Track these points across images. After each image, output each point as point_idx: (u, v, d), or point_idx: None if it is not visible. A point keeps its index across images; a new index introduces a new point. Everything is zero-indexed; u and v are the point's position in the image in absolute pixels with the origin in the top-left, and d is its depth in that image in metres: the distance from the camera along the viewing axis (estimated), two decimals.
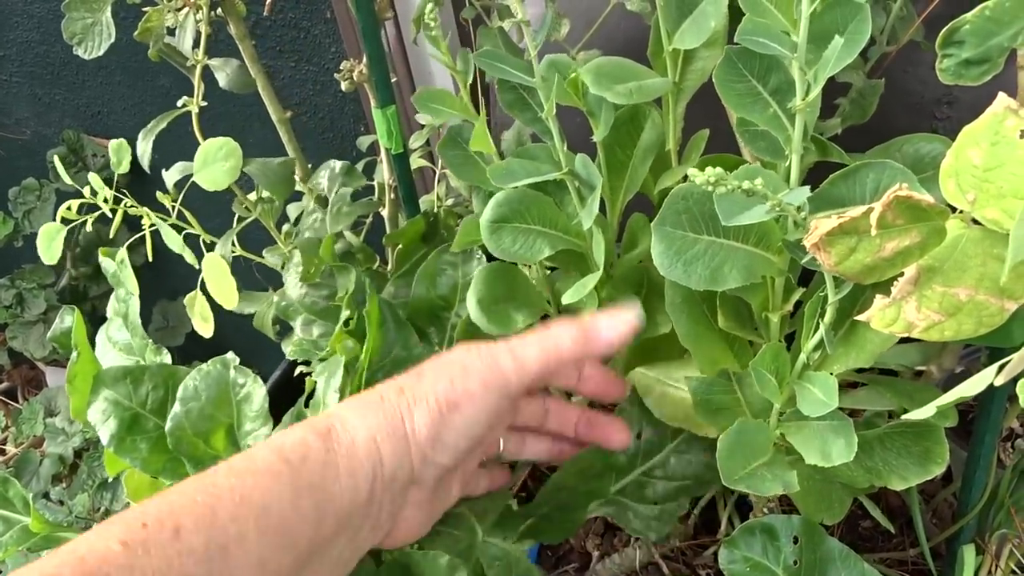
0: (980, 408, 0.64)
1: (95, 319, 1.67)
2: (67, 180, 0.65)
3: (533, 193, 0.54)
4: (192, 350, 1.67)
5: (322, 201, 0.72)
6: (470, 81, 0.61)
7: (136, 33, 0.59)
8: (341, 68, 0.72)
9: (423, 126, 0.98)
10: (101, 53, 0.58)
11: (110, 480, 1.46)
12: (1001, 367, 0.35)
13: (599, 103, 0.53)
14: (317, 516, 0.42)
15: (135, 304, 0.77)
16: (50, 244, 0.63)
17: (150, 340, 0.77)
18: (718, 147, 0.63)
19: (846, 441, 0.53)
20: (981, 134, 0.38)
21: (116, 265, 0.77)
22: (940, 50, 0.37)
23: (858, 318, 0.43)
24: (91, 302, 1.69)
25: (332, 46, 1.29)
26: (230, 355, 0.61)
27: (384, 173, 0.75)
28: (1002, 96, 0.38)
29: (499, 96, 0.53)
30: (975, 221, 0.40)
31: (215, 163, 0.64)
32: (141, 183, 1.55)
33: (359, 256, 0.77)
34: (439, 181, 1.01)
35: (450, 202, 1.01)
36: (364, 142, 1.07)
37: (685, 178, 0.56)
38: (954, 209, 0.41)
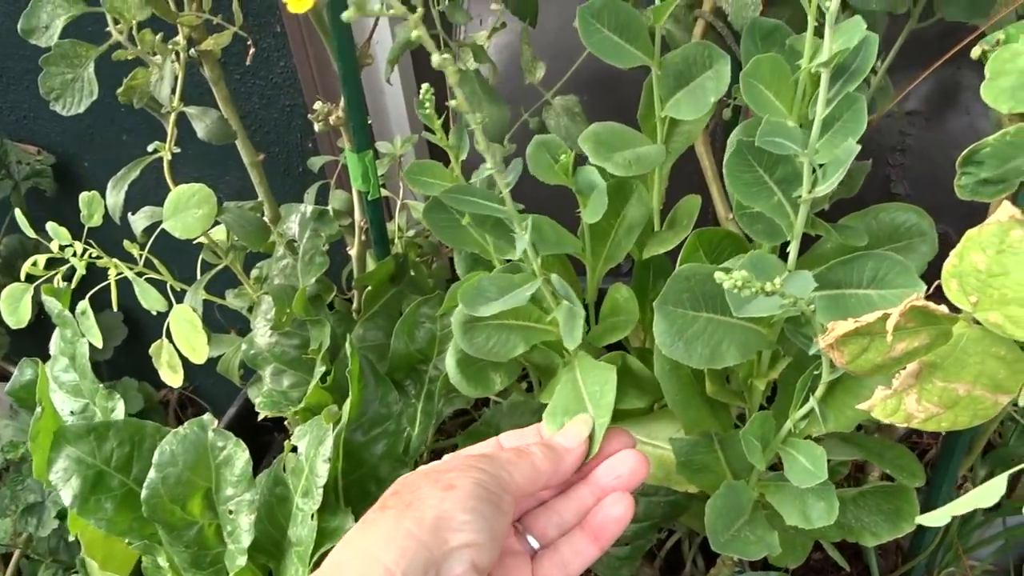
0: (939, 461, 0.68)
1: (13, 330, 1.59)
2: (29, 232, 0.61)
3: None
4: (119, 364, 1.61)
5: (291, 246, 0.70)
6: (440, 122, 0.59)
7: (120, 91, 0.56)
8: (315, 109, 0.70)
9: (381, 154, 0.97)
10: (81, 111, 0.55)
11: (36, 505, 1.39)
12: (1013, 478, 0.37)
13: (590, 185, 0.53)
14: None
15: (84, 346, 0.74)
16: (16, 307, 0.59)
17: (100, 384, 0.73)
18: (698, 207, 0.64)
19: (827, 504, 0.54)
20: (987, 241, 0.40)
21: (61, 306, 0.73)
22: (960, 168, 0.39)
23: (860, 407, 0.44)
24: None
25: (281, 60, 1.26)
26: (207, 417, 0.59)
27: (356, 215, 0.73)
28: (1007, 205, 0.40)
29: (471, 219, 0.52)
30: (975, 321, 0.42)
31: (187, 210, 0.61)
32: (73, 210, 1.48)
33: (324, 295, 0.75)
34: (400, 210, 1.00)
35: (411, 233, 1.00)
36: (316, 163, 1.05)
37: (678, 247, 0.57)
38: (954, 308, 0.42)
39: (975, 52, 0.46)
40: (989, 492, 0.37)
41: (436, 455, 0.93)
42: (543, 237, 0.52)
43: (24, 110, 1.42)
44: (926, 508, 0.70)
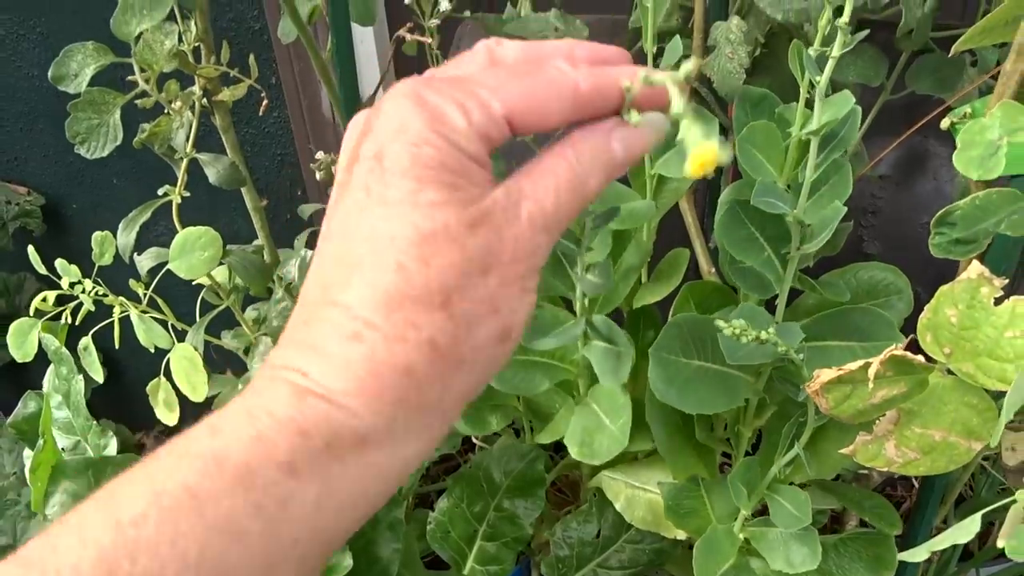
0: (915, 510, 0.70)
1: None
2: (41, 268, 0.62)
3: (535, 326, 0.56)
4: (96, 405, 1.60)
5: (290, 290, 0.72)
6: None
7: (142, 137, 0.58)
8: (317, 159, 0.73)
9: None
10: (105, 154, 0.58)
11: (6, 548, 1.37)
12: (989, 523, 0.39)
13: (594, 235, 0.56)
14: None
15: (79, 384, 0.75)
16: (23, 341, 0.61)
17: (94, 422, 0.74)
18: (687, 260, 0.67)
19: (810, 550, 0.57)
20: (958, 296, 0.43)
21: (58, 343, 0.74)
22: (934, 229, 0.42)
23: (842, 451, 0.47)
24: None
25: (274, 110, 1.29)
26: None
27: None
28: (976, 264, 0.43)
29: None
30: (949, 371, 0.45)
31: (194, 252, 0.63)
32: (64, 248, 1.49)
33: None
34: None
35: None
36: (307, 210, 1.08)
37: (663, 301, 0.60)
38: (929, 359, 0.45)
39: (944, 123, 0.50)
40: (965, 530, 0.39)
41: (422, 499, 0.94)
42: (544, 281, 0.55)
43: (16, 151, 1.44)
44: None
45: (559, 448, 0.86)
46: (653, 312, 0.66)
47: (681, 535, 0.64)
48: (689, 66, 0.31)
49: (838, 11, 0.40)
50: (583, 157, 0.32)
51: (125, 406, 1.56)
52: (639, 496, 0.65)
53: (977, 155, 0.37)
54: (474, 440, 0.90)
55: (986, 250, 0.49)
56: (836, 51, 0.40)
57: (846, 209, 0.44)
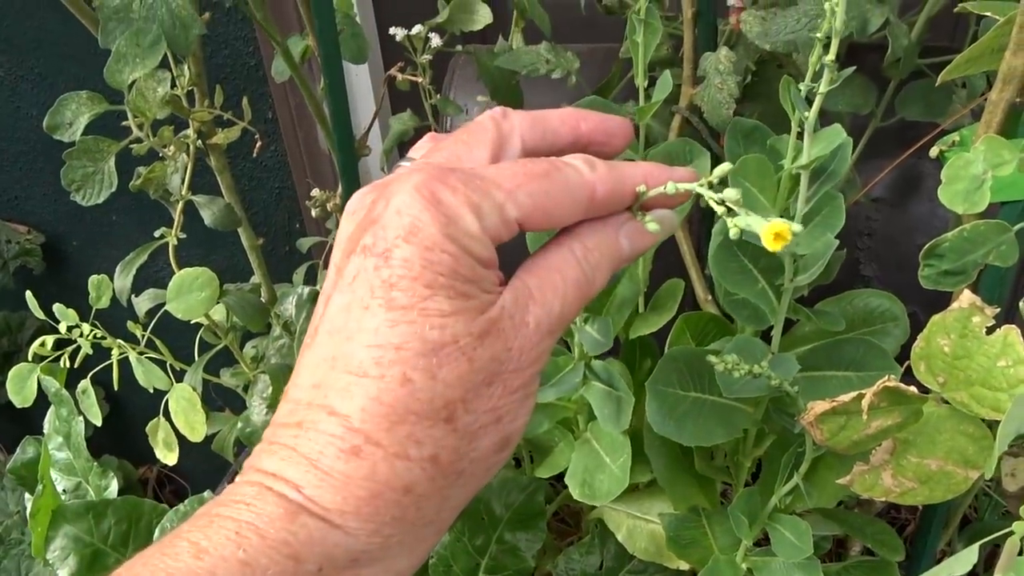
0: (917, 535, 0.70)
1: None
2: (39, 314, 0.63)
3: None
4: (99, 441, 1.60)
5: (287, 327, 0.72)
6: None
7: (137, 182, 0.59)
8: (313, 196, 0.74)
9: None
10: (100, 200, 0.58)
11: None
12: (995, 546, 0.39)
13: None
14: None
15: (79, 425, 0.75)
16: (23, 386, 0.61)
17: (95, 463, 0.74)
18: (682, 289, 0.67)
19: None
20: (951, 326, 0.44)
21: (58, 385, 0.74)
22: (923, 260, 0.42)
23: (840, 482, 0.47)
24: None
25: (272, 145, 1.30)
26: (207, 493, 0.60)
27: None
28: (967, 293, 0.43)
29: None
30: (944, 400, 0.45)
31: (191, 292, 0.64)
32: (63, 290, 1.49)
33: None
34: None
35: None
36: (305, 243, 1.08)
37: (660, 332, 0.60)
38: (923, 388, 0.45)
39: (933, 152, 0.51)
40: (962, 560, 0.39)
41: None
42: None
43: (16, 190, 1.45)
44: None
45: (560, 477, 0.86)
46: (650, 342, 0.66)
47: (684, 566, 0.64)
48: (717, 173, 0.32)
49: (826, 47, 0.40)
50: (591, 255, 0.32)
51: (127, 441, 1.55)
52: (641, 527, 0.65)
53: (962, 189, 0.37)
54: None
55: (978, 279, 0.49)
56: (823, 87, 0.40)
57: (838, 242, 0.44)
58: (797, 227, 0.28)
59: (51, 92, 1.32)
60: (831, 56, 0.38)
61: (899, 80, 0.62)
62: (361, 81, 1.17)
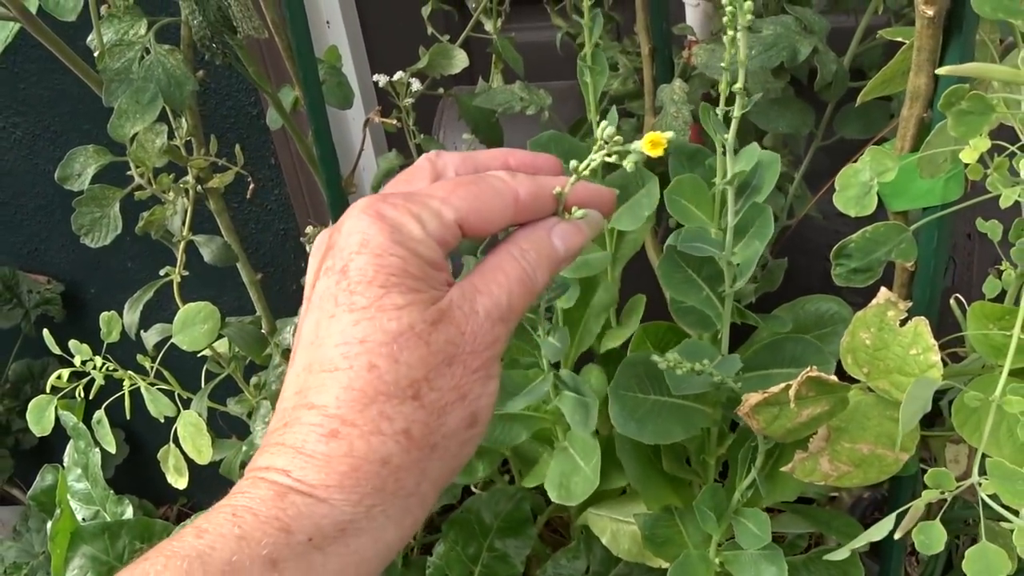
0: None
1: (17, 453, 1.63)
2: (56, 351, 0.68)
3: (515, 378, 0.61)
4: (121, 481, 1.65)
5: (287, 356, 0.77)
6: None
7: (139, 226, 0.64)
8: (307, 232, 0.79)
9: None
10: (108, 242, 0.64)
11: None
12: (898, 515, 0.43)
13: (562, 279, 0.61)
14: None
15: (96, 456, 0.80)
16: (41, 417, 0.66)
17: (111, 491, 0.80)
18: (651, 304, 0.72)
19: (778, 568, 0.60)
20: (870, 320, 0.48)
21: (76, 419, 0.80)
22: (834, 260, 0.47)
23: (783, 469, 0.51)
24: (15, 435, 1.66)
25: (275, 188, 1.36)
26: None
27: None
28: (884, 290, 0.48)
29: None
30: (870, 389, 0.49)
31: (194, 325, 0.69)
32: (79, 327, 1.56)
33: None
34: None
35: None
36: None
37: (628, 340, 0.64)
38: (852, 379, 0.50)
39: (863, 156, 0.55)
40: (880, 528, 0.44)
41: (425, 548, 0.98)
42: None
43: (36, 242, 1.52)
44: None
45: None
46: (622, 354, 0.71)
47: (665, 564, 0.68)
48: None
49: (735, 76, 0.45)
50: (528, 254, 0.37)
51: (147, 483, 1.61)
52: (623, 529, 0.69)
53: (853, 195, 0.42)
54: (473, 489, 0.94)
55: (911, 279, 0.54)
56: (737, 112, 0.45)
57: (763, 249, 0.49)
58: (669, 134, 0.35)
59: (66, 148, 1.38)
60: (739, 84, 0.43)
61: (837, 101, 0.67)
62: (355, 125, 1.23)
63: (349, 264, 0.34)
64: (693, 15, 0.86)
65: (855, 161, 0.49)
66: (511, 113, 0.86)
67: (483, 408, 0.35)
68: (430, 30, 0.90)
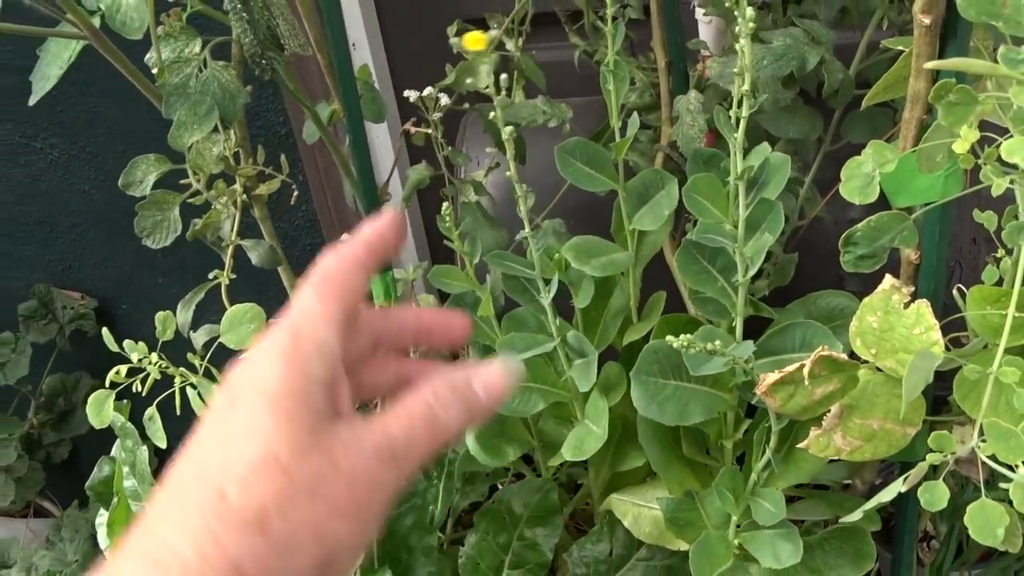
0: (898, 514, 0.77)
1: (48, 466, 1.68)
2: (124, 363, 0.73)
3: (531, 358, 0.66)
4: None
5: None
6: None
7: (195, 230, 0.69)
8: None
9: None
10: (168, 243, 0.69)
11: None
12: (905, 478, 0.47)
13: (580, 277, 0.66)
14: None
15: (143, 454, 0.85)
16: (100, 410, 0.71)
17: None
18: (669, 303, 0.76)
19: (794, 546, 0.64)
20: (876, 304, 0.52)
21: (123, 419, 0.84)
22: (843, 247, 0.51)
23: (799, 446, 0.55)
24: (46, 449, 1.71)
25: (303, 204, 1.41)
26: None
27: None
28: (888, 277, 0.52)
29: (503, 283, 0.65)
30: (878, 369, 0.53)
31: (241, 325, 0.73)
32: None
33: None
34: None
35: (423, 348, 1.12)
36: None
37: (649, 334, 0.69)
38: (862, 360, 0.54)
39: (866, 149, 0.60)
40: (890, 490, 0.47)
41: (455, 543, 1.02)
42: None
43: (70, 260, 1.57)
44: (896, 562, 0.79)
45: (576, 489, 0.94)
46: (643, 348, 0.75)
47: (684, 546, 0.71)
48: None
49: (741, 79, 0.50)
50: (442, 397, 0.34)
51: None
52: (644, 513, 0.73)
53: (858, 185, 0.46)
54: (499, 486, 0.98)
55: (917, 271, 0.58)
56: (745, 112, 0.50)
57: (773, 240, 0.53)
58: (481, 33, 0.40)
59: (100, 168, 1.45)
60: (746, 86, 0.47)
61: (845, 107, 0.71)
62: (381, 139, 1.29)
63: (236, 393, 0.32)
64: (706, 31, 0.91)
65: None
66: (534, 126, 0.91)
67: (343, 555, 0.31)
68: (456, 49, 0.95)
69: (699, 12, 0.89)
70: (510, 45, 1.01)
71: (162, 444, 0.79)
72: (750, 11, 0.45)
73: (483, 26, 1.09)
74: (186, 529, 0.29)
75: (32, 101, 0.66)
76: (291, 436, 0.31)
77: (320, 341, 0.33)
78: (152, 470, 0.85)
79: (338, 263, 0.36)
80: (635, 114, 0.63)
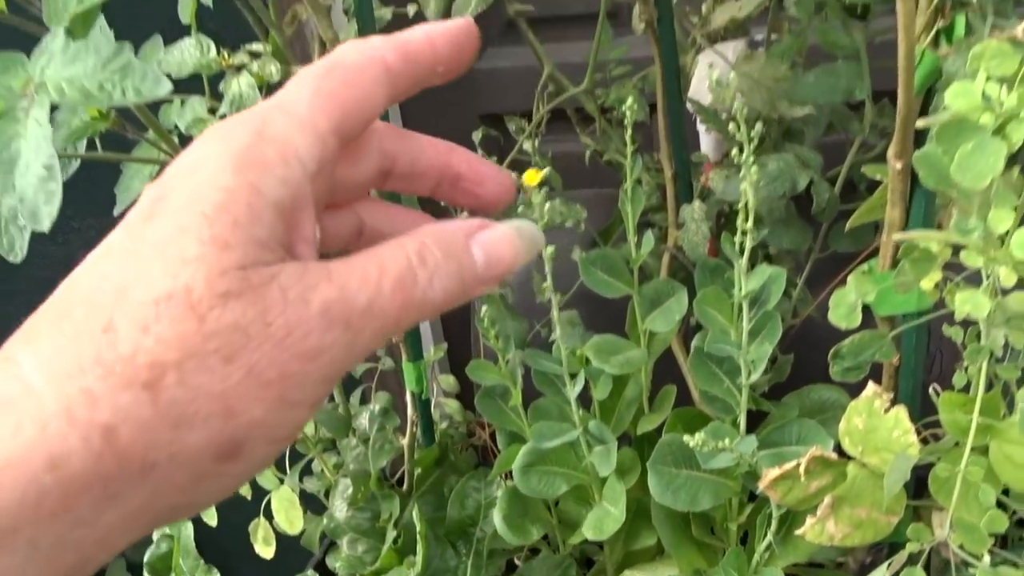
0: None
1: None
2: None
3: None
4: None
5: (363, 438, 0.89)
6: None
7: None
8: None
9: None
10: None
11: None
12: (889, 563, 0.54)
13: (599, 372, 0.74)
14: None
15: (188, 529, 0.91)
16: None
17: (201, 560, 0.90)
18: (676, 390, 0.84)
19: None
20: (861, 408, 0.60)
21: None
22: (831, 360, 0.59)
23: (797, 532, 0.62)
24: None
25: None
26: (311, 572, 0.76)
27: (408, 411, 0.93)
28: (871, 384, 0.60)
29: (533, 376, 0.73)
30: (864, 464, 0.61)
31: None
32: None
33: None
34: (435, 407, 1.20)
35: (444, 425, 1.20)
36: (358, 369, 1.26)
37: (662, 425, 0.76)
38: (849, 456, 0.61)
39: (850, 279, 0.68)
40: (877, 572, 0.55)
41: None
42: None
43: None
44: None
45: (590, 564, 1.00)
46: (655, 436, 0.83)
47: None
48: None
49: (746, 215, 0.58)
50: (428, 253, 0.26)
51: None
52: None
53: (843, 312, 0.54)
54: (515, 561, 1.05)
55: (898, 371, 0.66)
56: (748, 243, 0.58)
57: (772, 348, 0.61)
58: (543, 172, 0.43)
59: None
60: (749, 224, 0.56)
61: (830, 222, 0.80)
62: None
63: (166, 191, 0.25)
64: (706, 140, 1.00)
65: (844, 278, 0.62)
66: (550, 227, 1.00)
67: (255, 440, 0.24)
68: (480, 152, 1.05)
69: (700, 122, 0.99)
70: (527, 146, 1.10)
71: (212, 522, 0.86)
72: (754, 169, 0.53)
73: (499, 122, 1.19)
74: (53, 368, 0.22)
75: (116, 211, 0.75)
76: (216, 269, 0.23)
77: (289, 150, 0.25)
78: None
79: (356, 57, 0.27)
80: (649, 232, 0.72)
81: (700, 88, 0.96)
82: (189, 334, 0.23)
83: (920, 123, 0.48)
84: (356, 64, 0.27)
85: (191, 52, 0.66)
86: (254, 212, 0.24)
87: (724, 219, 0.92)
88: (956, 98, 0.42)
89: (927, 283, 0.48)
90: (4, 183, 0.41)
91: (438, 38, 0.28)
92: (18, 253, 0.49)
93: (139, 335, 0.23)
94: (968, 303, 0.45)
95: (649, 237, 0.71)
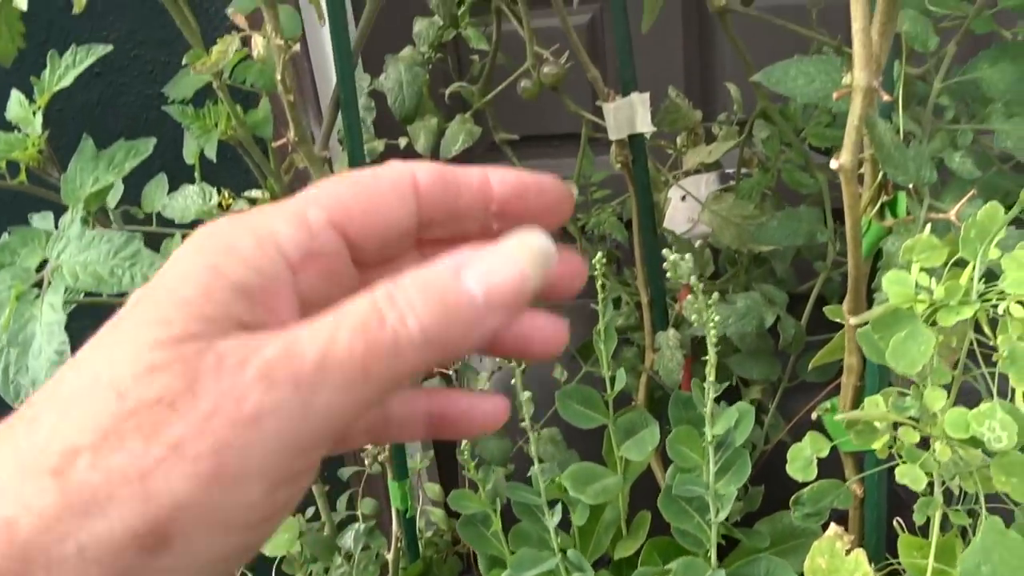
0: None
1: None
2: None
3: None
4: None
5: (347, 556, 0.91)
6: None
7: None
8: (366, 449, 0.95)
9: None
10: None
11: None
12: None
13: (576, 500, 0.77)
14: None
15: None
16: None
17: None
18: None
19: None
20: (824, 548, 0.63)
21: None
22: (792, 507, 0.62)
23: None
24: None
25: None
26: None
27: (393, 526, 0.96)
28: (833, 525, 0.63)
29: (513, 506, 0.76)
30: None
31: (278, 534, 0.83)
32: None
33: None
34: (420, 515, 1.22)
35: (430, 533, 1.21)
36: (345, 473, 1.28)
37: (639, 552, 0.79)
38: None
39: (814, 415, 0.72)
40: None
41: None
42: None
43: None
44: None
45: None
46: (632, 560, 0.85)
47: None
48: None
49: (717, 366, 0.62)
50: (400, 294, 0.23)
51: None
52: None
53: (800, 465, 0.58)
54: None
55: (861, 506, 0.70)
56: (711, 394, 0.62)
57: (740, 484, 0.65)
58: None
59: None
60: (712, 378, 0.60)
61: (798, 353, 0.84)
62: None
63: (145, 289, 0.24)
64: (675, 214, 1.04)
65: (813, 407, 0.66)
66: None
67: (184, 525, 0.21)
68: None
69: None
70: None
71: None
72: (714, 328, 0.58)
73: None
74: None
75: None
76: (146, 344, 0.22)
77: (265, 234, 0.24)
78: None
79: (383, 169, 0.27)
80: (621, 370, 0.76)
81: (674, 217, 1.02)
82: (106, 413, 0.21)
83: (854, 320, 0.53)
84: (376, 173, 0.26)
85: (194, 199, 0.71)
86: (207, 291, 0.23)
87: (699, 343, 0.96)
88: (892, 286, 0.46)
89: (878, 446, 0.52)
90: (18, 364, 0.44)
91: (488, 180, 0.27)
92: None
93: (57, 421, 0.21)
94: (907, 476, 0.49)
95: (622, 374, 0.75)
